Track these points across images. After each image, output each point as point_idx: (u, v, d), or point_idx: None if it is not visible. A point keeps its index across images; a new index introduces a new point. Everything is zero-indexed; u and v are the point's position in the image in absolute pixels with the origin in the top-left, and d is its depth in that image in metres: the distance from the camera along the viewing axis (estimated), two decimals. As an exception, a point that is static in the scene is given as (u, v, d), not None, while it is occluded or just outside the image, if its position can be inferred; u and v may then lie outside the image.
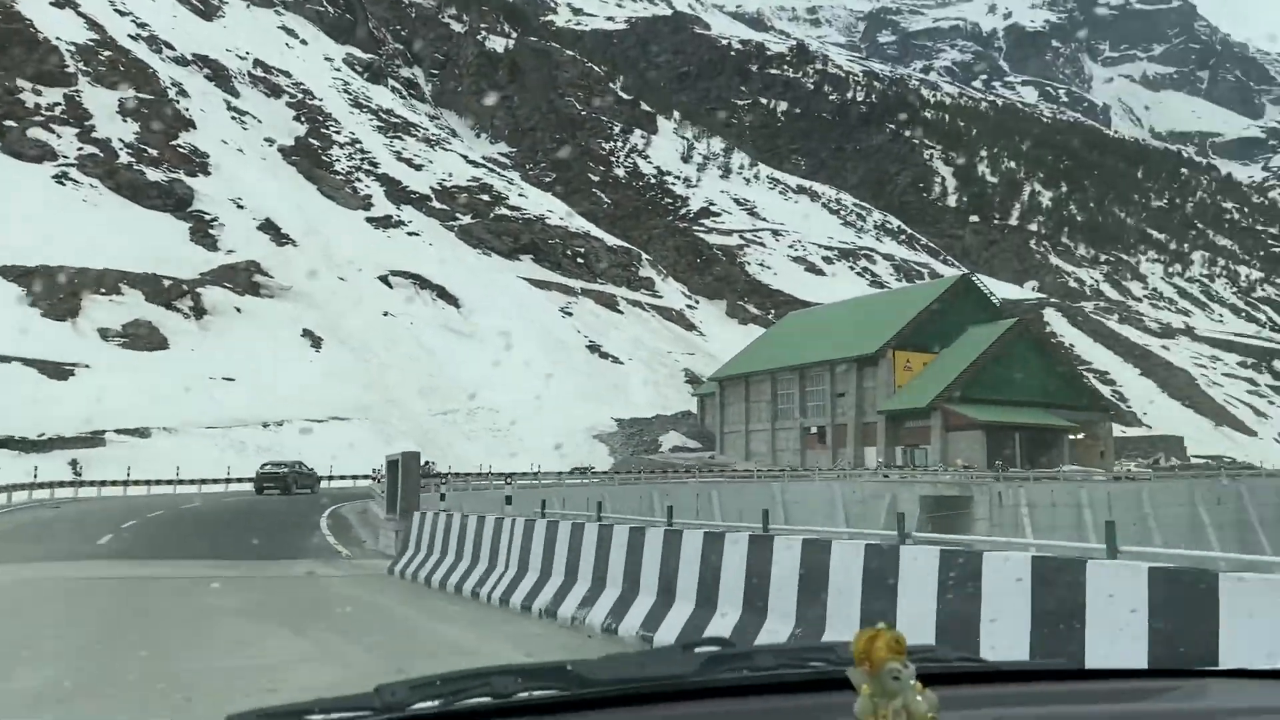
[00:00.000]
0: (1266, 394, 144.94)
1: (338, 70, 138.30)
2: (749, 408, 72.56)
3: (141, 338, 67.11)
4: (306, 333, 77.11)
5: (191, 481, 45.77)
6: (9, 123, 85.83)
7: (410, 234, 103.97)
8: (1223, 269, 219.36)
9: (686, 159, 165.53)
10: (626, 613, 9.48)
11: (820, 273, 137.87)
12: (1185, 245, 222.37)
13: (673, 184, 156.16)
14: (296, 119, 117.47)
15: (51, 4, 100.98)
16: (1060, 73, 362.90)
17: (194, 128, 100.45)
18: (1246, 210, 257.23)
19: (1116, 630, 5.51)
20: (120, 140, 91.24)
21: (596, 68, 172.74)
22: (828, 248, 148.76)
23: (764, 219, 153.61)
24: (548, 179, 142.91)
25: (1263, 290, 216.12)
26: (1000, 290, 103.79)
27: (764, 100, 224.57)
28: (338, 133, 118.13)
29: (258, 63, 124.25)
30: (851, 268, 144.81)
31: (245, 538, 21.54)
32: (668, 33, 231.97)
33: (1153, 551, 8.19)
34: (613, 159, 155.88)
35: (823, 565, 7.46)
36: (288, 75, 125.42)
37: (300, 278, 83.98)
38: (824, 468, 56.55)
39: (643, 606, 9.38)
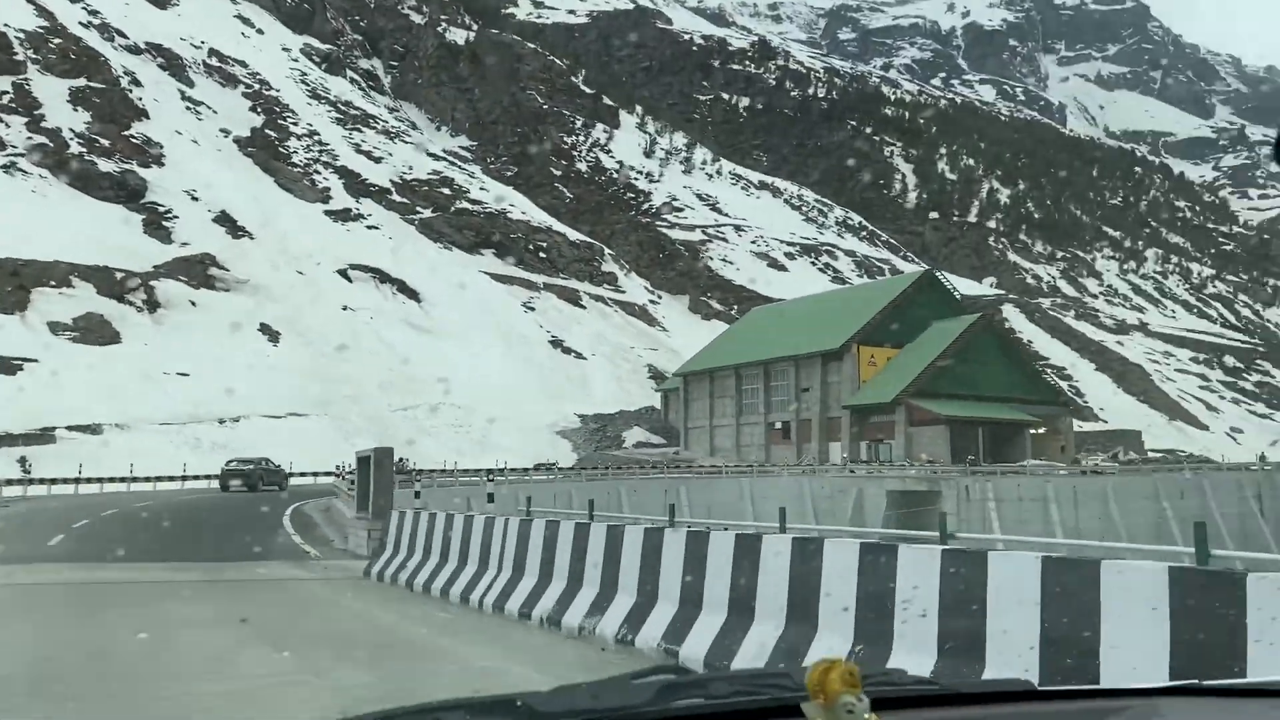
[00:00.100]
0: (1218, 389, 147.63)
1: (295, 61, 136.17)
2: (713, 403, 72.40)
3: (93, 331, 65.49)
4: (264, 327, 75.75)
5: (146, 479, 44.61)
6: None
7: (370, 227, 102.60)
8: (1175, 266, 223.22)
9: (649, 154, 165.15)
10: (644, 622, 8.68)
11: (782, 268, 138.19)
12: (1139, 243, 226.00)
13: (635, 179, 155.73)
14: (253, 110, 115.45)
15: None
16: (1017, 71, 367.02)
17: (147, 118, 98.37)
18: (1198, 209, 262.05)
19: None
20: (71, 130, 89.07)
21: (559, 61, 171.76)
22: (790, 243, 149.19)
23: (726, 214, 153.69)
24: (509, 173, 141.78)
25: (1214, 287, 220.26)
26: (959, 286, 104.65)
27: (726, 96, 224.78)
28: (295, 124, 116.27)
29: (213, 52, 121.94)
30: (813, 263, 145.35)
31: (205, 537, 20.82)
32: (629, 27, 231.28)
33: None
34: (575, 154, 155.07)
35: (889, 572, 6.65)
36: (244, 65, 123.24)
37: (257, 271, 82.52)
38: (789, 463, 56.48)
39: (662, 615, 8.56)
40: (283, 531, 22.63)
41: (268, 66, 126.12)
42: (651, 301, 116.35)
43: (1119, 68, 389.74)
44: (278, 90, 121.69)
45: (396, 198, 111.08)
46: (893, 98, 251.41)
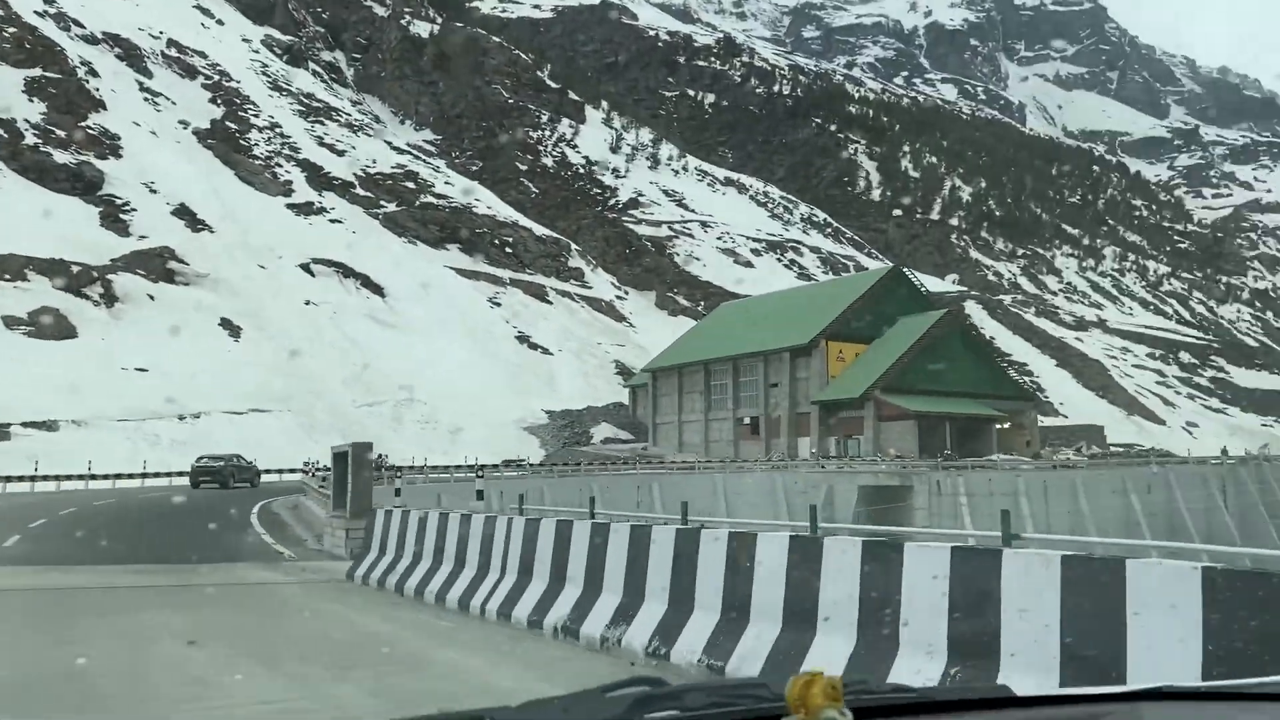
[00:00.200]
0: (1174, 384, 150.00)
1: (256, 52, 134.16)
2: (682, 399, 72.23)
3: (49, 326, 64.05)
4: (225, 322, 74.55)
5: (105, 476, 43.60)
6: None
7: (333, 221, 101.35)
8: (1133, 264, 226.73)
9: (615, 149, 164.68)
10: (679, 634, 7.81)
11: (749, 265, 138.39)
12: (1098, 241, 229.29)
13: (601, 174, 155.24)
14: (213, 101, 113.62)
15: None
16: (978, 71, 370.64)
17: (104, 109, 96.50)
18: (1154, 208, 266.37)
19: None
20: (26, 121, 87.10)
21: (524, 55, 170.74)
22: (756, 240, 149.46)
23: (692, 210, 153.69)
24: (474, 167, 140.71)
25: (1169, 285, 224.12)
26: (923, 283, 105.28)
27: (691, 92, 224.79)
28: (256, 116, 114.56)
29: (172, 43, 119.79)
30: (779, 260, 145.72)
31: (171, 537, 20.12)
32: (594, 22, 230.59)
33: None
34: (541, 148, 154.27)
35: (993, 577, 6.00)
36: (203, 56, 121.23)
37: (217, 265, 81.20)
38: (758, 458, 56.45)
39: (702, 626, 7.64)
40: (252, 531, 21.95)
41: (228, 58, 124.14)
42: (618, 297, 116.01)
43: (1077, 68, 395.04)
44: (238, 82, 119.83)
45: (360, 191, 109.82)
46: (856, 95, 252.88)
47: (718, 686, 1.60)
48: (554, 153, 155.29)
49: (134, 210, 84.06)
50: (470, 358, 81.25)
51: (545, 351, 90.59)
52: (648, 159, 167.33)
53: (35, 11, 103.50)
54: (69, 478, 42.81)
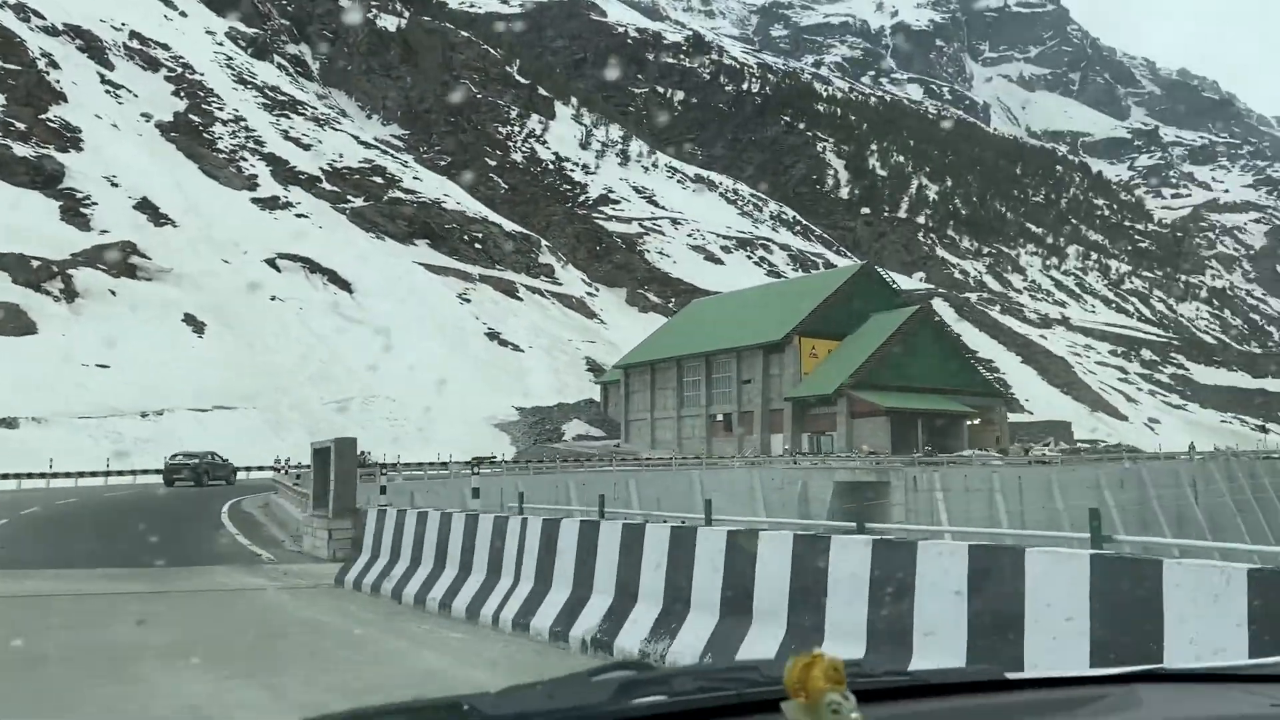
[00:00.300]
0: (1135, 380, 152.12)
1: (220, 44, 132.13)
2: (655, 395, 71.97)
3: (8, 322, 62.74)
4: (188, 317, 73.32)
5: (67, 475, 42.64)
6: None
7: (299, 216, 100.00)
8: (1095, 262, 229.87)
9: (585, 146, 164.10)
10: (737, 650, 7.06)
11: (719, 262, 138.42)
12: (1061, 240, 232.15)
13: (571, 170, 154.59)
14: (175, 94, 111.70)
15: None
16: (944, 71, 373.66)
17: (65, 101, 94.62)
18: (1115, 207, 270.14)
19: None
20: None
21: (493, 50, 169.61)
22: (726, 237, 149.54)
23: (663, 207, 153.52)
24: (442, 162, 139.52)
25: (1130, 283, 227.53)
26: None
27: (661, 89, 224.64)
28: (220, 109, 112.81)
29: (134, 34, 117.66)
30: (749, 257, 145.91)
31: (140, 538, 19.42)
32: (563, 18, 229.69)
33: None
34: (510, 144, 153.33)
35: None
36: (166, 48, 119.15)
37: (181, 260, 79.86)
38: (732, 455, 56.33)
39: (762, 638, 6.89)
40: (225, 532, 21.26)
41: (191, 50, 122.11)
42: (589, 294, 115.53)
43: (1040, 69, 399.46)
44: (202, 74, 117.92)
45: (326, 186, 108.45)
46: (824, 94, 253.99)
47: (707, 671, 1.54)
48: (523, 148, 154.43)
49: (95, 204, 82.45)
50: (440, 354, 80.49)
51: (516, 348, 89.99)
52: (618, 155, 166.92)
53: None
54: (30, 476, 41.87)
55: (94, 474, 44.09)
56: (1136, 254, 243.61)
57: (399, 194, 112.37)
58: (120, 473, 45.26)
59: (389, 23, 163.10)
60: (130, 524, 22.74)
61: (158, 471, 43.35)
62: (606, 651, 8.11)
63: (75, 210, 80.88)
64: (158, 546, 18.10)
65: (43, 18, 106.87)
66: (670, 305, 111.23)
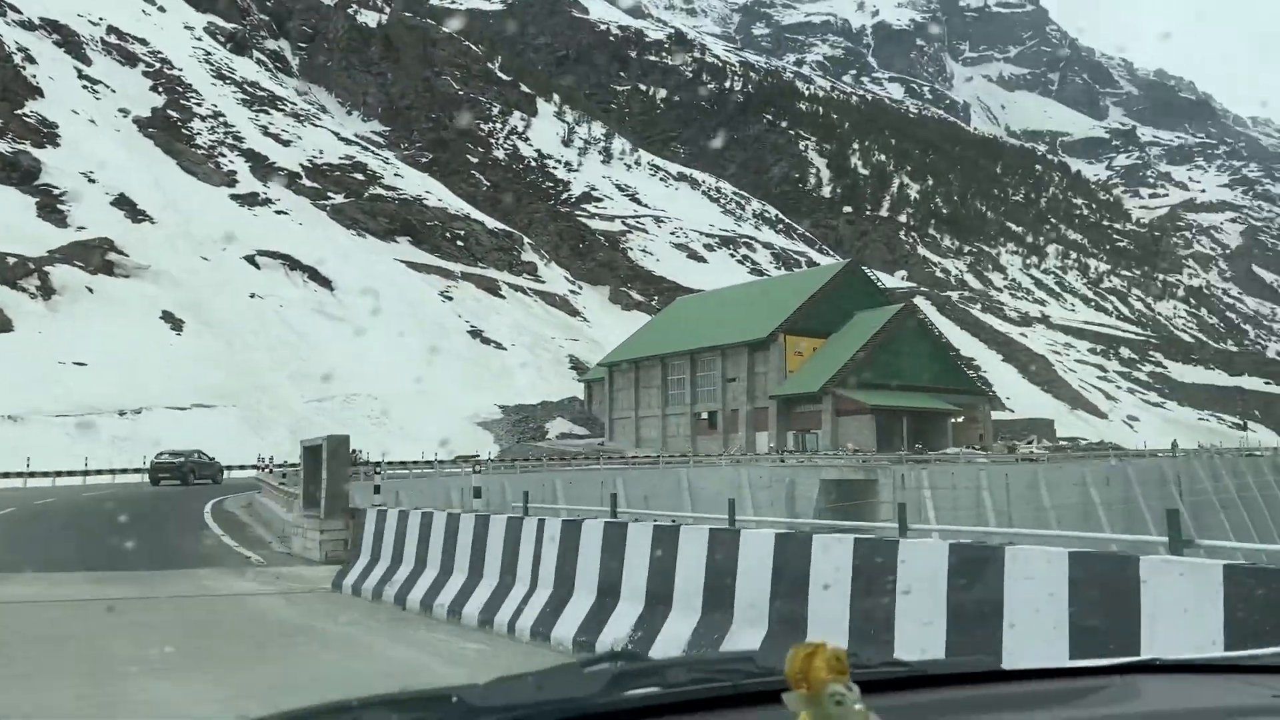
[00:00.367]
0: (1114, 379, 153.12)
1: (199, 40, 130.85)
2: (639, 393, 71.73)
3: (-18, 319, 61.66)
4: (166, 315, 72.47)
5: (44, 474, 41.97)
6: None
7: (279, 212, 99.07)
8: (1074, 261, 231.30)
9: (567, 143, 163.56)
10: None
11: (702, 260, 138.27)
12: (1040, 239, 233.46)
13: (554, 168, 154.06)
14: (154, 90, 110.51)
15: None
16: (924, 70, 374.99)
17: (41, 96, 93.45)
18: (1094, 206, 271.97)
19: None
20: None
21: (474, 47, 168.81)
22: (709, 235, 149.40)
23: (645, 205, 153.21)
24: (424, 159, 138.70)
25: (1109, 282, 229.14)
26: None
27: (643, 87, 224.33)
28: (199, 105, 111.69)
29: (111, 29, 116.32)
30: (732, 255, 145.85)
31: (121, 539, 18.94)
32: (545, 15, 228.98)
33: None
34: (492, 141, 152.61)
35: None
36: (144, 43, 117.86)
37: (159, 257, 78.95)
38: (717, 453, 56.16)
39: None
40: (209, 533, 20.77)
41: (169, 45, 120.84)
42: (572, 292, 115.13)
43: (1019, 69, 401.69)
44: (180, 70, 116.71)
45: (306, 182, 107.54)
46: (806, 93, 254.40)
47: (701, 661, 1.50)
48: (505, 145, 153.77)
49: (72, 200, 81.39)
50: (422, 352, 79.90)
51: (498, 346, 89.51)
52: (600, 153, 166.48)
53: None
54: (6, 475, 41.18)
55: (72, 473, 43.45)
56: (1115, 253, 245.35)
57: (380, 191, 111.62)
58: (99, 471, 44.64)
59: (369, 18, 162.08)
60: (110, 524, 22.25)
61: (137, 471, 42.77)
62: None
63: (52, 206, 79.85)
64: (141, 548, 17.64)
65: (19, 12, 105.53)
66: (653, 303, 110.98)
